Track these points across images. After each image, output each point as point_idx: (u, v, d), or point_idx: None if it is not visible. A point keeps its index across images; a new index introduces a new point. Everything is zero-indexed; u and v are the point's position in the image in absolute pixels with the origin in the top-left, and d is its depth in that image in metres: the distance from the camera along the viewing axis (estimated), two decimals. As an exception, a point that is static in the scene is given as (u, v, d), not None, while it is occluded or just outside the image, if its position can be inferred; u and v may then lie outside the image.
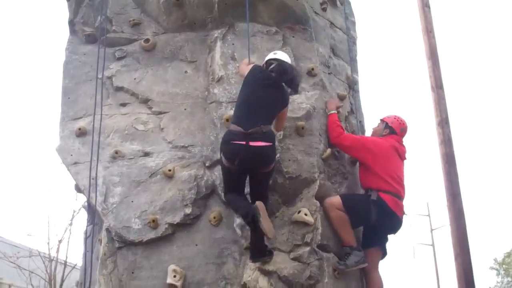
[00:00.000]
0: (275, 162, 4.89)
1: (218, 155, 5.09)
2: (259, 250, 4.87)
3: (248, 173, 4.87)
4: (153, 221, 5.04)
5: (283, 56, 5.11)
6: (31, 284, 16.01)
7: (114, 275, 5.04)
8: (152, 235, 5.04)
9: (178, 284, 4.84)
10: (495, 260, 39.89)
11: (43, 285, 15.83)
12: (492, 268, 39.94)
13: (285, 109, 5.05)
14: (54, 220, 16.13)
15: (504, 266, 39.03)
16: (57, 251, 15.88)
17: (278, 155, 5.11)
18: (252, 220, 4.54)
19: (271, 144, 4.73)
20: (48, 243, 15.81)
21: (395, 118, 5.79)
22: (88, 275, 5.27)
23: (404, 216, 5.52)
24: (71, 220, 15.86)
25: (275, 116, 4.96)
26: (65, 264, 15.76)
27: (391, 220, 5.42)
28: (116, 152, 5.42)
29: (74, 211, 15.81)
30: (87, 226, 5.97)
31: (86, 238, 5.80)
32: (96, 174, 5.32)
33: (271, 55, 5.11)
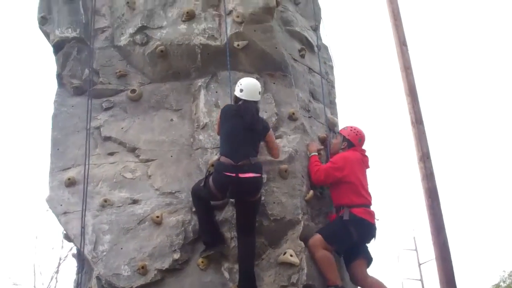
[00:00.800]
0: (261, 192, 5.15)
1: None
2: (213, 239, 5.20)
3: (234, 202, 5.20)
4: (142, 267, 5.14)
5: (248, 92, 5.29)
6: (19, 335, 15.80)
7: (105, 323, 5.12)
8: (141, 281, 5.13)
9: (169, 329, 4.95)
10: (485, 291, 39.81)
11: (31, 335, 15.63)
12: (480, 300, 39.81)
13: (269, 135, 5.34)
14: (40, 269, 15.94)
15: (492, 298, 38.93)
16: (44, 300, 15.72)
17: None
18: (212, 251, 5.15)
19: (259, 175, 5.02)
20: (34, 291, 15.66)
21: (351, 130, 6.00)
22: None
23: (376, 221, 5.73)
24: (57, 268, 15.79)
25: (258, 145, 5.28)
26: (52, 313, 15.61)
27: (368, 230, 5.65)
28: (105, 201, 5.55)
29: (60, 259, 15.75)
30: (77, 275, 6.05)
31: (76, 287, 5.87)
32: (84, 222, 5.41)
33: (237, 91, 5.31)
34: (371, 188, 5.82)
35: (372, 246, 5.87)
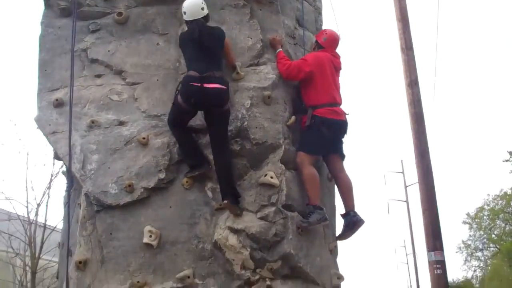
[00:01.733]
0: (229, 106, 5.38)
1: None
2: (196, 161, 5.47)
3: (196, 113, 5.44)
4: (129, 185, 5.38)
5: (189, 12, 5.53)
6: (11, 247, 16.29)
7: (93, 237, 5.39)
8: (128, 199, 5.38)
9: (154, 243, 5.24)
10: (468, 214, 41.16)
11: (23, 248, 16.11)
12: (464, 222, 41.25)
13: (226, 43, 5.62)
14: (32, 184, 16.30)
15: (476, 220, 40.33)
16: (36, 214, 16.16)
17: (245, 122, 5.49)
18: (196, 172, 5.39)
19: (224, 87, 5.26)
20: (27, 206, 16.08)
21: (321, 32, 6.29)
22: (68, 237, 5.61)
23: (346, 117, 6.03)
24: (50, 183, 16.14)
25: (221, 56, 5.55)
26: (44, 226, 16.06)
27: (336, 127, 5.92)
28: (93, 122, 5.71)
29: (52, 175, 16.09)
30: (66, 191, 6.29)
31: (66, 203, 6.12)
32: (71, 142, 5.57)
33: (183, 16, 5.61)
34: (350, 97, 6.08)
35: (356, 165, 6.22)
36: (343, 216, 5.96)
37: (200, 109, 5.43)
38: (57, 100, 5.84)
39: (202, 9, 5.54)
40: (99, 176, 5.49)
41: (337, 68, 6.12)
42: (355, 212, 5.91)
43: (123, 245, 5.31)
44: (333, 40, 6.19)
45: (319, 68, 5.85)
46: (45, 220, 16.22)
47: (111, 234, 5.34)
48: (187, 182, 5.48)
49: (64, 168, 6.25)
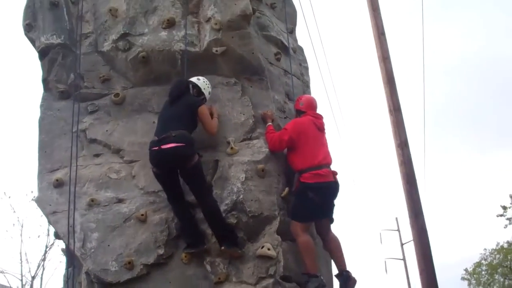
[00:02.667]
0: (195, 160, 5.50)
1: None
2: (193, 239, 5.58)
3: (173, 176, 5.56)
4: (129, 263, 5.48)
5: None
6: (7, 321, 16.05)
7: (95, 315, 5.45)
8: (128, 276, 5.47)
9: (155, 320, 5.30)
10: (466, 270, 40.79)
11: (18, 321, 15.88)
12: (463, 278, 40.84)
13: (200, 112, 5.76)
14: (27, 256, 16.22)
15: (474, 275, 39.94)
16: (31, 287, 15.98)
17: (241, 196, 5.65)
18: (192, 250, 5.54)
19: (182, 144, 5.41)
20: (22, 279, 15.92)
21: (297, 100, 6.54)
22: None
23: (336, 178, 6.08)
24: (44, 255, 16.06)
25: (190, 120, 5.71)
26: (39, 299, 15.89)
27: (322, 191, 5.90)
28: (92, 200, 5.87)
29: (47, 247, 16.04)
30: (66, 269, 6.36)
31: (66, 281, 6.18)
32: (74, 221, 5.72)
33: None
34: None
35: (349, 224, 6.36)
36: (337, 276, 6.02)
37: (169, 170, 5.55)
38: (57, 180, 6.01)
39: (203, 83, 5.95)
40: (99, 254, 5.59)
41: (320, 128, 6.28)
42: (347, 271, 5.98)
43: (124, 323, 5.36)
44: (310, 102, 6.44)
45: (299, 132, 6.02)
46: (40, 293, 16.05)
47: (112, 311, 5.40)
48: (185, 257, 5.59)
49: (62, 244, 6.33)
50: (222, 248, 5.44)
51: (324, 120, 6.45)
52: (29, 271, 16.18)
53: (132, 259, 5.50)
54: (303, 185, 5.87)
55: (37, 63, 6.71)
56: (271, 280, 5.42)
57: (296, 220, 5.83)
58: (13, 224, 16.21)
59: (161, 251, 5.57)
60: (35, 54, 6.76)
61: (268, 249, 5.54)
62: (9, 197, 16.16)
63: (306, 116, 6.27)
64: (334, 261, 6.12)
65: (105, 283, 5.47)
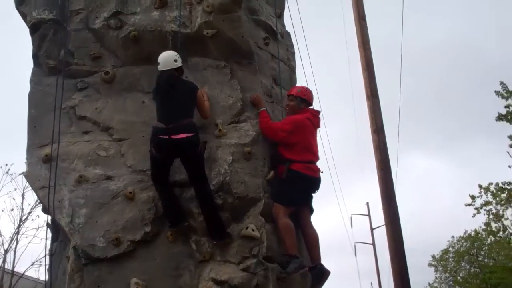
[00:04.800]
0: (200, 147, 5.70)
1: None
2: (175, 217, 5.70)
3: (171, 160, 5.72)
4: (116, 239, 5.59)
5: (162, 63, 5.90)
6: (-22, 294, 15.99)
7: (82, 289, 5.56)
8: (115, 252, 5.59)
9: (140, 295, 5.44)
10: (433, 257, 41.63)
11: (-9, 295, 15.84)
12: (430, 264, 41.68)
13: (198, 97, 5.91)
14: (0, 230, 16.12)
15: (442, 262, 40.78)
16: (4, 261, 15.94)
17: (227, 177, 5.80)
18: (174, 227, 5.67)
19: (193, 133, 5.57)
20: (-5, 253, 15.87)
21: (305, 90, 6.67)
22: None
23: (320, 174, 6.42)
24: (18, 229, 16.00)
25: (192, 106, 5.85)
26: (12, 273, 15.85)
27: (309, 183, 6.32)
28: (81, 177, 5.94)
29: (20, 221, 15.98)
30: (51, 244, 6.44)
31: (51, 255, 6.27)
32: (53, 196, 5.78)
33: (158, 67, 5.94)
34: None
35: (316, 202, 6.54)
36: (310, 269, 6.19)
37: (173, 157, 5.71)
38: (46, 155, 6.06)
39: (175, 61, 5.91)
40: (87, 229, 5.69)
41: (315, 125, 6.54)
42: (321, 265, 6.19)
43: (110, 297, 5.48)
44: (312, 96, 6.65)
45: (297, 129, 6.23)
46: (13, 267, 16.03)
47: (98, 286, 5.51)
48: (171, 235, 5.72)
49: (44, 217, 6.43)
50: (215, 243, 5.61)
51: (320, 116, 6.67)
52: (2, 244, 16.11)
53: (119, 236, 5.61)
54: (295, 173, 6.11)
55: (28, 37, 6.70)
56: (254, 260, 5.59)
57: (281, 203, 6.01)
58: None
59: (147, 229, 5.70)
60: (26, 28, 6.75)
61: (252, 230, 5.70)
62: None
63: (306, 113, 6.44)
64: (309, 254, 6.29)
65: (92, 259, 5.58)
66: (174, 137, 5.47)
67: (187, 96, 5.83)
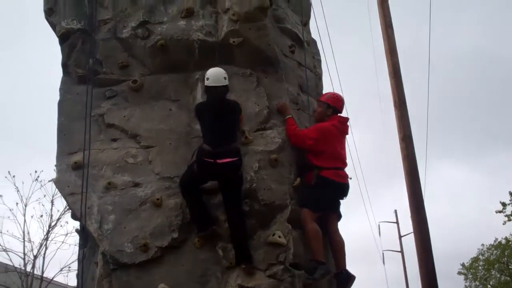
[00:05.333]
0: (241, 171, 5.74)
1: None
2: (204, 221, 5.75)
3: (218, 184, 5.78)
4: (144, 245, 5.66)
5: (212, 79, 5.91)
6: (8, 299, 16.24)
7: (110, 294, 5.64)
8: (143, 257, 5.65)
9: (168, 301, 5.49)
10: (463, 265, 41.06)
11: (20, 301, 16.05)
12: (460, 273, 41.09)
13: (241, 118, 6.06)
14: (30, 236, 16.36)
15: (471, 270, 40.20)
16: (33, 266, 16.12)
17: (254, 184, 5.83)
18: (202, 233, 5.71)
19: (235, 159, 5.62)
20: (24, 258, 16.04)
21: (334, 97, 6.65)
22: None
23: (349, 181, 6.44)
24: (47, 235, 16.21)
25: (236, 128, 5.94)
26: (41, 279, 16.01)
27: (338, 189, 6.34)
28: (109, 183, 6.03)
29: (50, 227, 16.19)
30: (80, 250, 6.55)
31: (80, 261, 6.37)
32: (85, 202, 5.88)
33: (205, 82, 5.97)
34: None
35: (344, 209, 6.56)
36: (335, 275, 6.18)
37: (214, 179, 5.79)
38: (75, 163, 6.17)
39: (225, 78, 5.95)
40: (115, 235, 5.77)
41: (343, 132, 6.55)
42: (346, 270, 6.17)
43: (138, 302, 5.54)
44: (341, 103, 6.66)
45: (324, 137, 6.25)
46: (42, 272, 16.20)
47: (126, 292, 5.59)
48: (198, 241, 5.77)
49: (73, 225, 6.54)
50: (243, 267, 5.59)
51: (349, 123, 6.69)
52: (32, 250, 16.33)
53: (147, 242, 5.68)
54: (324, 180, 6.12)
55: (58, 47, 6.83)
56: (280, 267, 5.60)
57: (309, 208, 6.02)
58: (16, 204, 16.26)
59: (175, 235, 5.75)
60: (55, 39, 6.88)
61: (279, 237, 5.71)
62: (13, 176, 16.14)
63: (333, 121, 6.46)
64: (334, 260, 6.28)
65: (120, 264, 5.65)
66: (219, 161, 5.54)
67: (234, 118, 5.93)
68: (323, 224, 6.22)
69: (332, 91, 7.04)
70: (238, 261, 5.62)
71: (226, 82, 5.95)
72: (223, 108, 5.85)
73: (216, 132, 5.70)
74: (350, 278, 6.14)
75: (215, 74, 5.94)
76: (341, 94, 6.77)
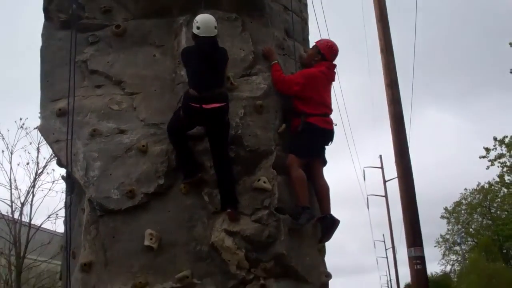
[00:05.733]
0: (228, 117, 5.70)
1: None
2: (190, 168, 5.78)
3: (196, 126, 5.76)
4: (130, 191, 5.69)
5: (204, 29, 5.73)
6: (-4, 247, 16.37)
7: (97, 240, 5.69)
8: (129, 204, 5.69)
9: (155, 246, 5.55)
10: (446, 209, 41.94)
11: (8, 247, 16.20)
12: (443, 217, 42.02)
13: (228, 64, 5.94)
14: (16, 183, 16.36)
15: (454, 214, 41.10)
16: (21, 213, 16.21)
17: (239, 131, 5.84)
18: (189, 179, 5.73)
19: (222, 104, 5.57)
20: (11, 205, 16.10)
21: (327, 44, 6.59)
22: (70, 239, 5.95)
23: (334, 127, 6.50)
24: (34, 182, 16.24)
25: (223, 74, 5.87)
26: (29, 226, 16.09)
27: (325, 135, 6.39)
28: (94, 130, 6.00)
29: (36, 174, 16.20)
30: (67, 196, 6.59)
31: (67, 207, 6.41)
32: (71, 150, 5.88)
33: (195, 29, 5.75)
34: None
35: (329, 155, 6.62)
36: (320, 219, 6.27)
37: (201, 125, 5.77)
38: (60, 109, 6.12)
39: (215, 28, 5.79)
40: (101, 182, 5.79)
41: (330, 79, 6.52)
42: (331, 215, 6.27)
43: (125, 247, 5.62)
44: (337, 55, 6.61)
45: (311, 83, 6.21)
46: (30, 219, 16.30)
47: (113, 237, 5.65)
48: (184, 187, 5.81)
49: (64, 174, 6.53)
50: (228, 211, 5.63)
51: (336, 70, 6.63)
52: (19, 197, 16.36)
53: (134, 188, 5.70)
54: (310, 126, 6.13)
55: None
56: (266, 211, 5.67)
57: (295, 154, 6.06)
58: (2, 151, 16.17)
59: (161, 181, 5.77)
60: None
61: (264, 182, 5.76)
62: (-2, 123, 16.00)
63: (320, 67, 6.40)
64: (320, 205, 6.35)
65: (107, 210, 5.69)
66: (205, 106, 5.48)
67: (222, 65, 5.84)
68: (308, 169, 6.27)
69: (328, 39, 6.94)
70: (223, 206, 5.68)
71: (216, 32, 5.79)
72: (213, 54, 5.74)
73: (204, 77, 5.62)
74: (335, 222, 6.25)
75: (206, 24, 5.72)
76: (337, 45, 6.65)
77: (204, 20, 5.76)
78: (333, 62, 6.61)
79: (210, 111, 5.51)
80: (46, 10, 6.63)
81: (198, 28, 5.73)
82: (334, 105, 6.62)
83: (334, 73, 6.63)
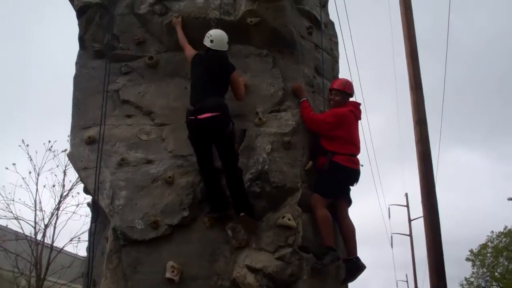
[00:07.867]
0: (230, 128, 5.66)
1: None
2: (217, 203, 5.78)
3: (208, 143, 5.67)
4: (155, 222, 5.70)
5: (217, 43, 5.89)
6: (17, 267, 16.39)
7: (119, 269, 5.69)
8: (153, 234, 5.70)
9: (176, 278, 5.52)
10: (471, 251, 41.02)
11: (28, 268, 16.25)
12: (468, 259, 41.09)
13: (233, 77, 5.88)
14: (41, 205, 16.49)
15: (479, 257, 40.17)
16: (44, 235, 16.30)
17: (266, 166, 5.83)
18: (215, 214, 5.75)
19: (218, 113, 5.55)
20: (35, 227, 16.20)
21: (349, 84, 6.67)
22: (92, 266, 5.96)
23: (360, 167, 6.44)
24: (58, 205, 16.36)
25: (224, 86, 5.84)
26: (51, 248, 16.14)
27: (350, 175, 6.33)
28: (122, 159, 6.06)
29: (61, 197, 16.33)
30: (91, 223, 6.61)
31: (91, 235, 6.43)
32: (99, 178, 5.94)
33: (207, 42, 5.92)
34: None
35: (355, 192, 6.58)
36: (345, 261, 6.19)
37: (204, 138, 5.67)
38: (89, 137, 6.21)
39: (227, 43, 5.97)
40: (126, 211, 5.81)
41: (357, 118, 6.53)
42: (357, 258, 6.18)
43: (146, 278, 5.60)
44: (353, 88, 6.69)
45: (341, 122, 6.23)
46: (52, 242, 16.37)
47: (135, 268, 5.64)
48: (208, 221, 5.80)
49: (90, 202, 6.58)
50: (242, 215, 5.59)
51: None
52: (43, 219, 16.47)
53: (158, 219, 5.71)
54: (337, 165, 6.10)
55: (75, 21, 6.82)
56: (289, 249, 5.61)
57: (320, 194, 6.02)
58: (29, 172, 16.38)
59: (185, 213, 5.78)
60: (73, 12, 6.87)
61: (289, 220, 5.72)
62: (27, 145, 16.22)
63: (348, 106, 6.45)
64: (345, 246, 6.27)
65: (130, 240, 5.70)
66: (199, 116, 5.52)
67: (222, 74, 5.83)
68: (333, 209, 6.22)
69: (342, 78, 7.02)
70: (236, 209, 5.66)
71: (227, 47, 5.98)
72: (213, 64, 5.82)
73: (200, 88, 5.71)
74: (360, 267, 6.15)
75: (220, 38, 5.92)
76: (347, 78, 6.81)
77: (218, 34, 5.94)
78: (358, 102, 6.70)
79: (203, 121, 5.51)
80: (81, 39, 6.79)
81: (211, 41, 5.89)
82: (361, 141, 6.61)
83: (360, 111, 6.65)
